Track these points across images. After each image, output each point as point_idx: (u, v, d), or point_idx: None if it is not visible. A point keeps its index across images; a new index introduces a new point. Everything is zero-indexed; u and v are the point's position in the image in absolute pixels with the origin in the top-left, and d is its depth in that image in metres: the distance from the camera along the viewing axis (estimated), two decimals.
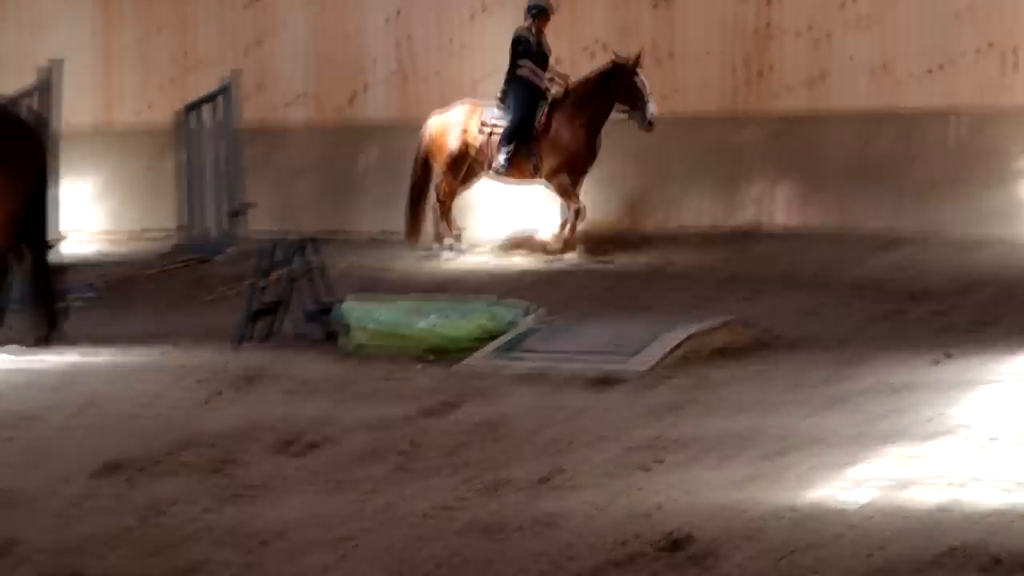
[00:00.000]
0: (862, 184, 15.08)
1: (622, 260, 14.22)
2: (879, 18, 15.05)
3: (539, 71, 14.64)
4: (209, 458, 6.00)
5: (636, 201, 15.26)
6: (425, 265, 14.35)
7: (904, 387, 7.05)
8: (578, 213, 14.52)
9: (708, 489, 5.09)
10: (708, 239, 14.87)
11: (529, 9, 14.77)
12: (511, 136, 14.60)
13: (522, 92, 14.66)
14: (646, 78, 14.25)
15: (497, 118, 14.73)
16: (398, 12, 16.80)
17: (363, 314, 9.18)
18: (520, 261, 14.48)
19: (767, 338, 9.09)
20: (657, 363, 7.88)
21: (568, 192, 14.62)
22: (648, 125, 14.24)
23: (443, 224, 14.96)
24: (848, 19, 15.16)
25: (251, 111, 16.56)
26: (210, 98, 15.55)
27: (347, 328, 9.17)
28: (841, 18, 15.18)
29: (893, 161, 15.06)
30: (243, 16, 17.46)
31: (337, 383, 7.84)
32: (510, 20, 16.28)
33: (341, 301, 9.45)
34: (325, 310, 9.45)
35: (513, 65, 14.72)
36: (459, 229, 15.00)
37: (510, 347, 8.45)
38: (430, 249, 14.88)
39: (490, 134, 14.74)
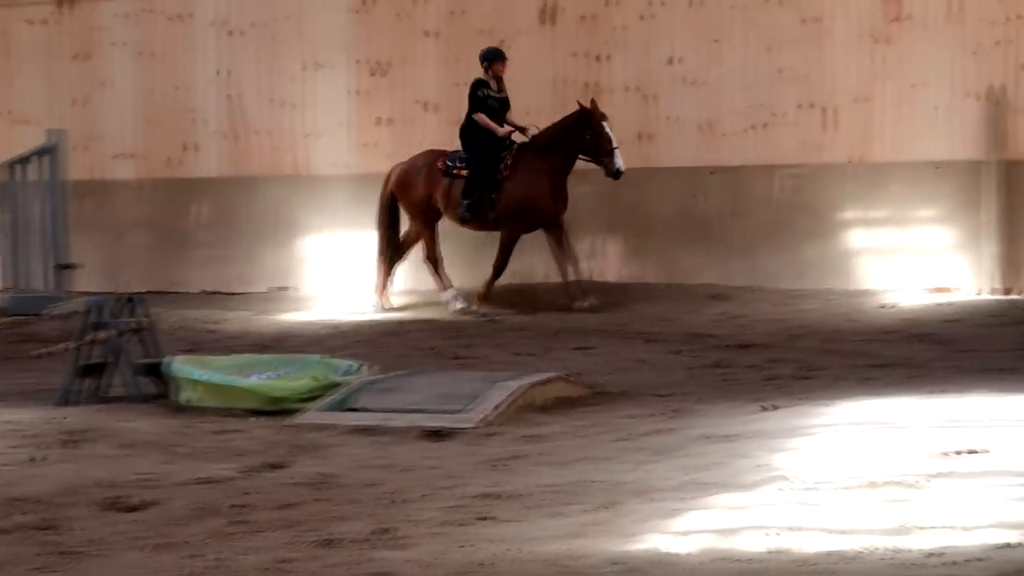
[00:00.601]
0: (690, 238, 15.36)
1: (441, 314, 14.30)
2: (704, 77, 15.40)
3: (491, 123, 14.42)
4: (35, 519, 5.88)
5: (474, 256, 15.32)
6: (256, 320, 14.27)
7: (731, 437, 7.18)
8: (497, 269, 14.42)
9: (538, 542, 5.13)
10: (541, 291, 15.00)
11: (482, 59, 14.63)
12: (471, 187, 14.39)
13: (481, 141, 14.49)
14: (611, 128, 14.16)
15: (459, 162, 14.51)
16: (228, 70, 16.74)
17: (193, 370, 9.10)
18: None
19: (598, 390, 9.20)
20: (488, 417, 7.93)
21: (504, 246, 14.45)
22: (615, 175, 14.14)
23: (438, 278, 14.73)
24: (675, 77, 15.49)
25: (79, 167, 16.35)
26: (35, 154, 15.30)
27: (178, 384, 9.08)
28: (668, 76, 15.51)
29: (720, 215, 15.38)
30: (70, 71, 17.26)
31: (168, 439, 7.74)
32: (340, 78, 16.34)
33: (171, 357, 9.36)
34: (154, 367, 9.34)
35: (470, 112, 14.55)
36: (452, 287, 14.63)
37: (342, 403, 8.44)
38: (386, 308, 14.68)
39: (452, 179, 14.53)
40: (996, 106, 14.74)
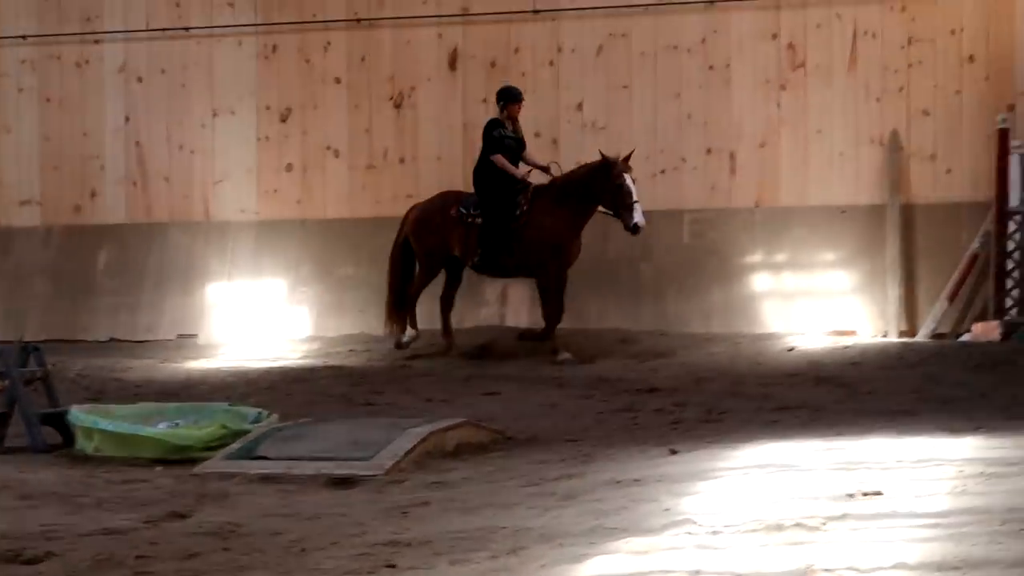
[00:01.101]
0: (597, 281, 15.44)
1: (357, 359, 14.24)
2: (609, 122, 15.52)
3: (508, 165, 13.86)
4: None
5: (379, 301, 15.29)
6: (162, 368, 14.13)
7: (639, 480, 7.21)
8: (549, 318, 13.86)
9: None
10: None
11: (498, 98, 14.12)
12: (486, 236, 13.80)
13: (496, 184, 13.88)
14: (633, 181, 13.60)
15: (474, 209, 13.94)
16: (127, 118, 16.64)
17: (97, 419, 9.00)
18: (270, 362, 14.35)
19: (508, 435, 9.21)
20: (394, 464, 7.91)
21: (546, 294, 13.91)
22: (633, 230, 13.55)
23: (408, 317, 14.30)
24: (584, 123, 15.60)
25: None
26: None
27: (80, 433, 8.97)
28: (577, 122, 15.62)
29: (628, 259, 15.48)
30: None
31: (70, 490, 7.64)
32: (243, 125, 16.29)
33: (75, 406, 9.25)
34: (56, 416, 9.23)
35: (484, 153, 13.99)
36: (415, 330, 14.26)
37: (248, 451, 8.39)
38: (407, 344, 14.22)
39: (467, 228, 13.95)
40: (895, 151, 14.99)
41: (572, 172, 13.98)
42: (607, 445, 8.69)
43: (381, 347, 14.63)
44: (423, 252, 14.34)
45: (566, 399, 11.34)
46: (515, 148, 14.06)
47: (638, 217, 13.44)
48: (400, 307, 14.44)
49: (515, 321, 15.51)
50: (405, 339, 14.34)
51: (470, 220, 13.93)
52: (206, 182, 16.48)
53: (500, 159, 13.87)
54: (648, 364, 13.42)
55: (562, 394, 11.64)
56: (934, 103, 15.00)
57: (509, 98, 14.09)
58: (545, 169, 14.06)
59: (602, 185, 13.59)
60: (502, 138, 13.94)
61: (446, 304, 14.40)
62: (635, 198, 13.50)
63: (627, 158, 13.66)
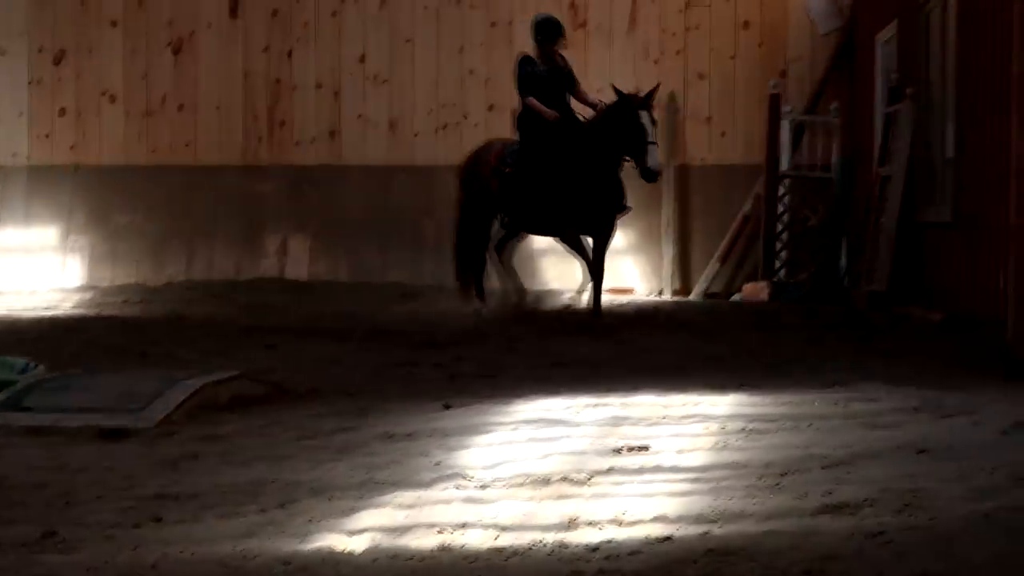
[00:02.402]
0: (380, 235, 15.44)
1: (132, 310, 14.02)
2: (392, 76, 15.50)
3: (540, 105, 12.35)
4: None
5: (155, 251, 15.05)
6: None
7: (409, 436, 7.26)
8: (593, 272, 12.47)
9: (208, 543, 5.09)
10: (229, 288, 14.84)
11: (533, 33, 12.72)
12: (513, 189, 12.42)
13: (531, 129, 12.47)
14: (654, 123, 12.27)
15: (510, 157, 12.68)
16: None
17: None
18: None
19: (282, 389, 9.16)
20: (165, 417, 7.81)
21: (579, 246, 12.56)
22: (645, 175, 12.20)
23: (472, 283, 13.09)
24: (367, 75, 15.55)
25: None
26: None
27: None
28: (359, 74, 15.56)
29: (409, 214, 15.50)
30: None
31: None
32: (14, 67, 15.85)
33: None
34: None
35: (520, 95, 12.64)
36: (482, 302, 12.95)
37: (13, 403, 8.19)
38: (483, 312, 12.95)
39: (501, 180, 12.66)
40: (673, 113, 15.30)
41: (593, 116, 12.57)
42: (384, 399, 8.72)
43: (156, 297, 14.40)
44: (461, 204, 13.14)
45: (345, 352, 11.33)
46: (554, 85, 12.53)
47: (652, 161, 12.04)
48: (463, 272, 13.21)
49: (295, 274, 15.43)
50: (480, 309, 13.08)
51: (505, 171, 12.60)
52: None
53: (532, 101, 12.38)
54: (428, 318, 13.49)
55: (341, 348, 11.62)
56: (710, 67, 15.34)
57: (546, 34, 12.55)
58: (593, 107, 12.65)
59: (619, 123, 12.15)
60: (533, 75, 12.45)
61: (479, 263, 13.10)
62: (651, 138, 12.10)
63: (648, 95, 12.31)
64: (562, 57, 12.62)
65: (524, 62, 12.53)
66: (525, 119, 12.55)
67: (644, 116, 12.11)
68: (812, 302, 13.92)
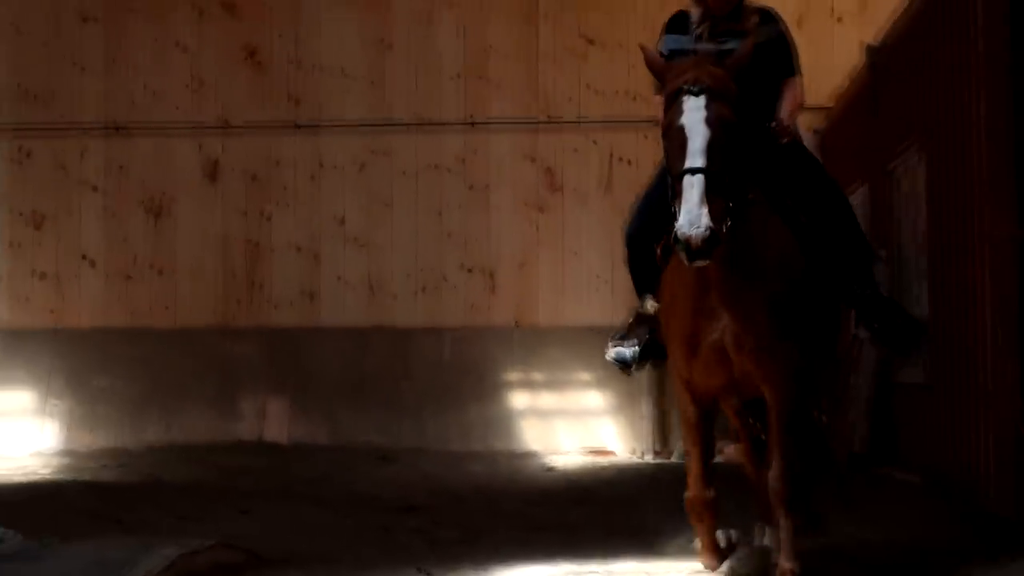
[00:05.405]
0: (356, 398, 15.42)
1: (110, 474, 13.90)
2: (371, 238, 15.61)
3: None
4: None
5: (134, 414, 14.99)
6: None
7: None
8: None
9: None
10: (208, 451, 14.75)
11: None
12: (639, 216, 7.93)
13: None
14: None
15: None
16: None
17: None
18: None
19: (257, 557, 9.06)
20: None
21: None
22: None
23: None
24: (347, 237, 15.65)
25: None
26: None
27: None
28: (340, 236, 15.66)
29: (388, 376, 15.50)
30: None
31: None
32: None
33: None
34: None
35: None
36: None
37: None
38: None
39: None
40: None
41: None
42: (361, 567, 8.63)
43: (135, 461, 14.30)
44: None
45: (322, 518, 11.23)
46: None
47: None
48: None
49: (273, 437, 15.36)
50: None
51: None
52: None
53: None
54: (406, 482, 13.41)
55: (318, 512, 11.53)
56: None
57: None
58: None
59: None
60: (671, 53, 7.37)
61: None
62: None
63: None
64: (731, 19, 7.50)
65: (673, 22, 7.63)
66: None
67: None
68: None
